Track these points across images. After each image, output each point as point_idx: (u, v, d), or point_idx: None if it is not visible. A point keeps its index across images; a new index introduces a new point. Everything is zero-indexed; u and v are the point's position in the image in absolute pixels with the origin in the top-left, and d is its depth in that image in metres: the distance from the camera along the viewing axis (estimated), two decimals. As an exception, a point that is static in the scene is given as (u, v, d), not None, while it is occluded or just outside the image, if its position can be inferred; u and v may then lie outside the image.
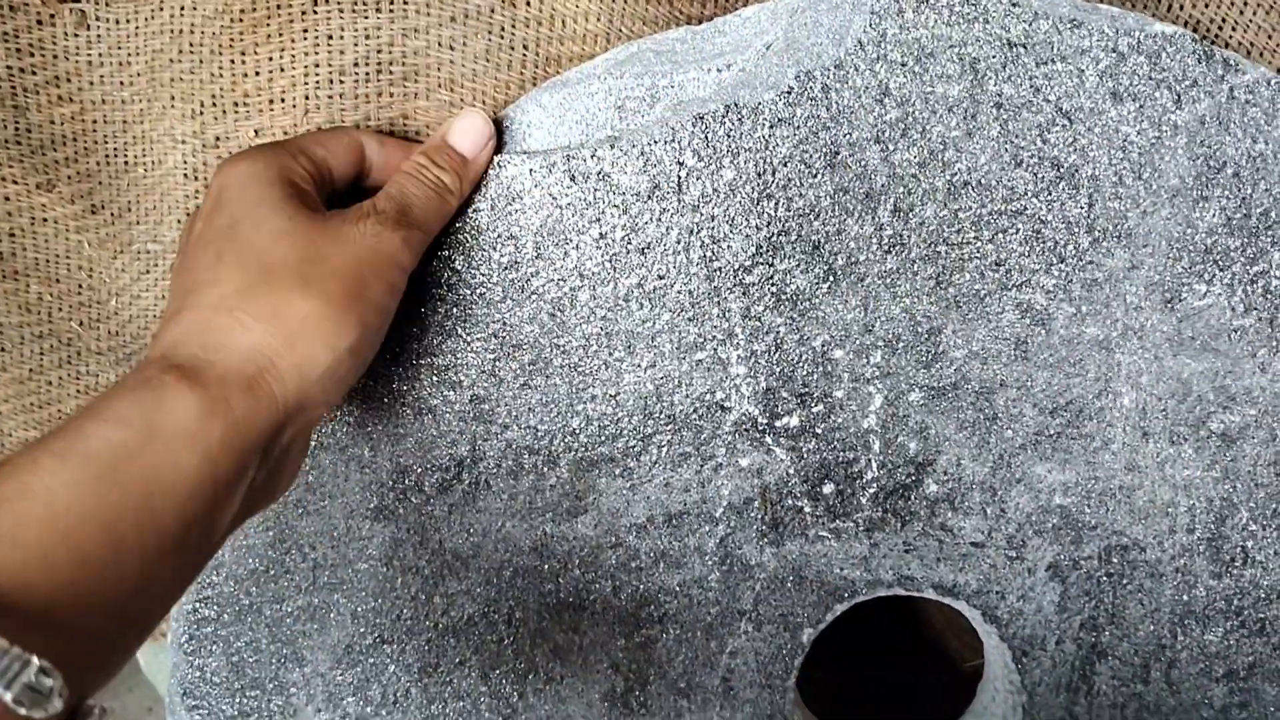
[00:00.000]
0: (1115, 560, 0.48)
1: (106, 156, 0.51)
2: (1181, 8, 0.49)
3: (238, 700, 0.51)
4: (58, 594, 0.29)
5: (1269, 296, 0.45)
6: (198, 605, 0.50)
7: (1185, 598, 0.49)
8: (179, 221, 0.51)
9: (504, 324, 0.46)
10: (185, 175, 0.50)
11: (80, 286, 0.54)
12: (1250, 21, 0.48)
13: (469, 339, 0.46)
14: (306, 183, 0.41)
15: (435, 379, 0.47)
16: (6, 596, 0.28)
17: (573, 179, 0.44)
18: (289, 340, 0.36)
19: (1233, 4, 0.48)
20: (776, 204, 0.45)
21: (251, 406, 0.35)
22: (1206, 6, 0.48)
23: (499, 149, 0.46)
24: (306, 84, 0.48)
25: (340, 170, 0.44)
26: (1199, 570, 0.48)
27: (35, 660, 0.27)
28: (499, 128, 0.46)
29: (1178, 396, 0.46)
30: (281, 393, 0.36)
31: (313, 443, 0.48)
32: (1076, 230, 0.45)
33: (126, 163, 0.51)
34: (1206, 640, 0.49)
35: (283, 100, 0.48)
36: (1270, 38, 0.48)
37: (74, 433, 0.32)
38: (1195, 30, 0.49)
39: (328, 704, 0.51)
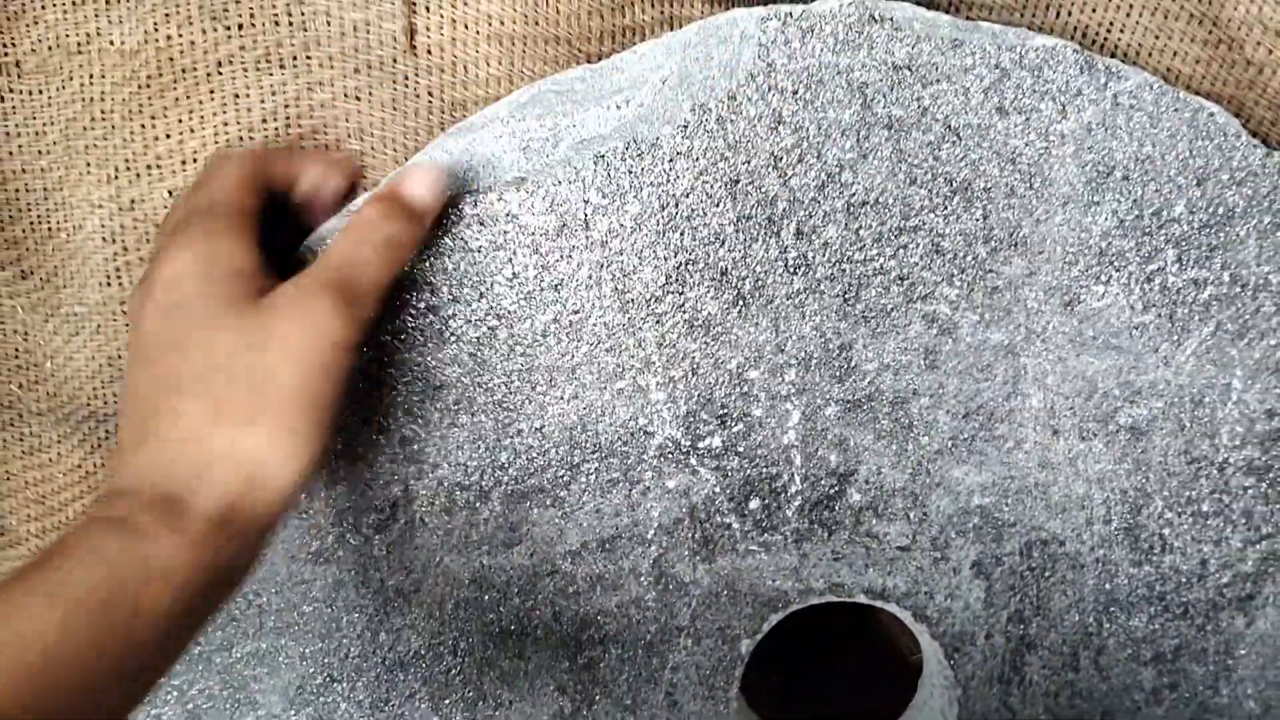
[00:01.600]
0: (1036, 555, 0.50)
1: (31, 224, 0.52)
2: (1069, 13, 0.50)
3: (196, 746, 0.52)
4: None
5: (1166, 293, 0.47)
6: (149, 657, 0.51)
7: (1108, 586, 0.50)
8: (100, 284, 0.52)
9: (426, 367, 0.47)
10: (104, 239, 0.51)
11: (17, 350, 0.55)
12: (1136, 23, 0.49)
13: (394, 384, 0.47)
14: (247, 257, 0.41)
15: (363, 423, 0.48)
16: None
17: (482, 223, 0.45)
18: (254, 472, 0.38)
19: (1119, 7, 0.49)
20: (682, 234, 0.46)
21: (226, 542, 0.37)
22: (1094, 11, 0.50)
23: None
24: (217, 142, 0.49)
25: (282, 188, 0.44)
26: (1119, 559, 0.50)
27: None
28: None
29: (1084, 394, 0.48)
30: (253, 520, 0.38)
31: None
32: (974, 242, 0.46)
33: (50, 228, 0.52)
34: (1132, 626, 0.51)
35: (195, 160, 0.49)
36: (1157, 39, 0.50)
37: (61, 574, 0.34)
38: (1083, 35, 0.50)
39: (284, 744, 0.52)
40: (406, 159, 0.49)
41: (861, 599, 0.51)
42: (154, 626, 0.35)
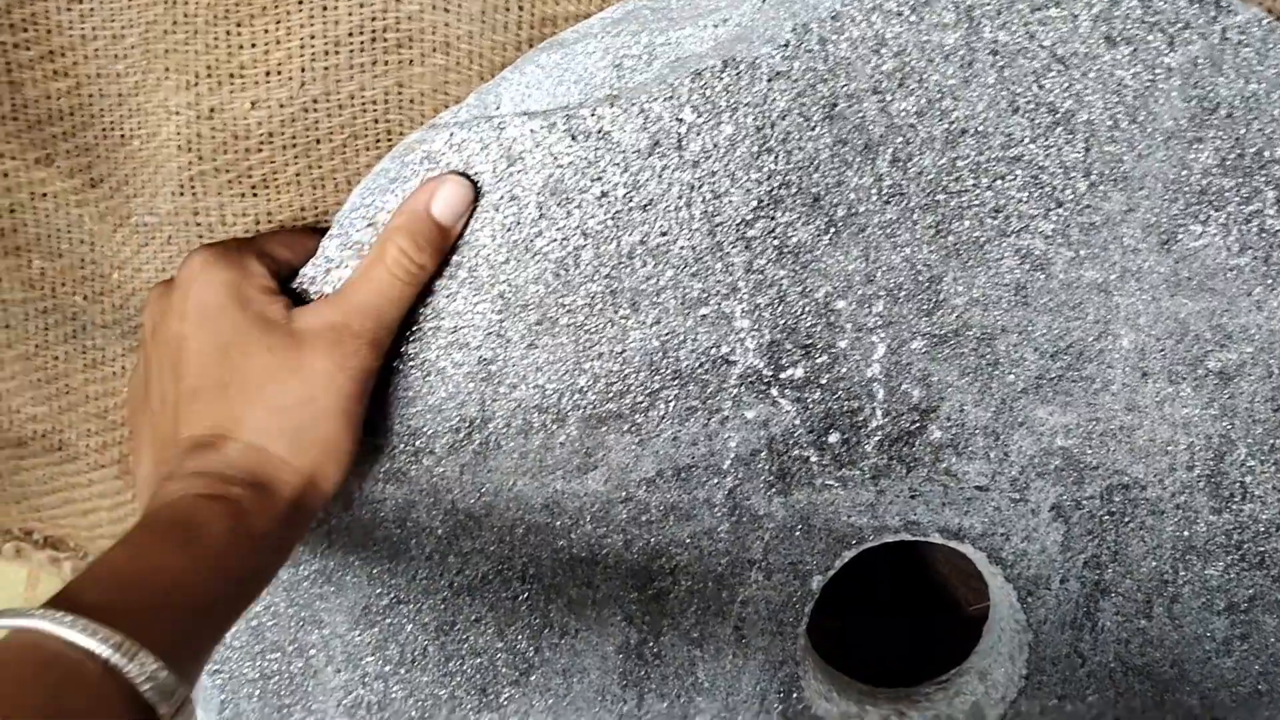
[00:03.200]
0: (1117, 499, 0.49)
1: (104, 130, 0.51)
2: (1173, -51, 0.49)
3: (258, 663, 0.52)
4: (183, 639, 0.37)
5: (1264, 235, 0.46)
6: (215, 572, 0.50)
7: (1186, 533, 0.49)
8: (173, 194, 0.51)
9: (509, 285, 0.46)
10: (179, 147, 0.50)
11: (82, 261, 0.54)
12: (1242, -39, 0.48)
13: (475, 301, 0.47)
14: (269, 289, 0.46)
15: (443, 341, 0.47)
16: (160, 641, 0.35)
17: (573, 138, 0.45)
18: (313, 475, 0.44)
19: (1224, -56, 0.48)
20: (776, 157, 0.45)
21: (293, 526, 0.44)
22: (1198, -53, 0.48)
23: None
24: (303, 55, 0.48)
25: (299, 265, 0.48)
26: (1199, 506, 0.49)
27: (182, 687, 0.35)
28: (497, 89, 0.46)
29: (1175, 336, 0.47)
30: (310, 512, 0.45)
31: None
32: (1074, 175, 0.45)
33: (123, 135, 0.51)
34: (1208, 574, 0.50)
35: (279, 72, 0.48)
36: (1262, -24, 0.48)
37: (192, 529, 0.40)
38: (1187, -29, 0.49)
39: (347, 664, 0.52)
40: (494, 74, 0.48)
41: (936, 538, 0.50)
42: (250, 581, 0.42)
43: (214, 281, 0.44)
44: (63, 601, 0.35)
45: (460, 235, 0.46)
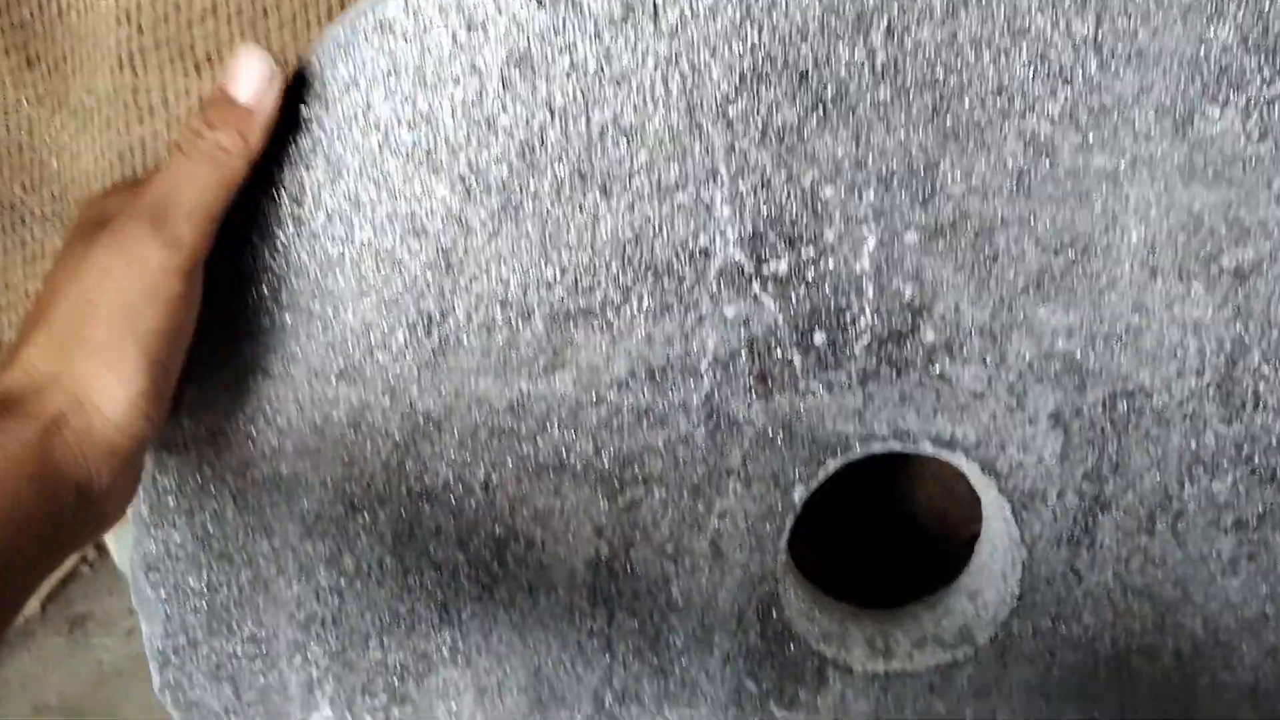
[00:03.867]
0: (1120, 407, 0.46)
1: (40, 3, 0.48)
2: None
3: (205, 574, 0.49)
4: None
5: (1287, 120, 0.42)
6: (156, 474, 0.47)
7: (1193, 445, 0.46)
8: (112, 70, 0.47)
9: (470, 166, 0.43)
10: (118, 19, 0.46)
11: (20, 147, 0.50)
12: None
13: (433, 184, 0.43)
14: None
15: (398, 228, 0.44)
16: None
17: (540, 3, 0.41)
18: (81, 395, 0.38)
19: None
20: (760, 29, 0.41)
21: (55, 450, 0.38)
22: None
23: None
24: (247, -90, 0.44)
25: None
26: (1208, 416, 0.46)
27: None
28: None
29: (1188, 230, 0.44)
30: (86, 437, 0.38)
31: (274, 300, 0.45)
32: (1084, 50, 0.42)
33: (59, 8, 0.47)
34: (1215, 490, 0.47)
35: (222, -70, 0.44)
36: None
37: None
38: None
39: (299, 576, 0.49)
40: (456, -64, 0.44)
41: (927, 448, 0.47)
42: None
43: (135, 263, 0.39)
44: None
45: (274, 112, 0.40)
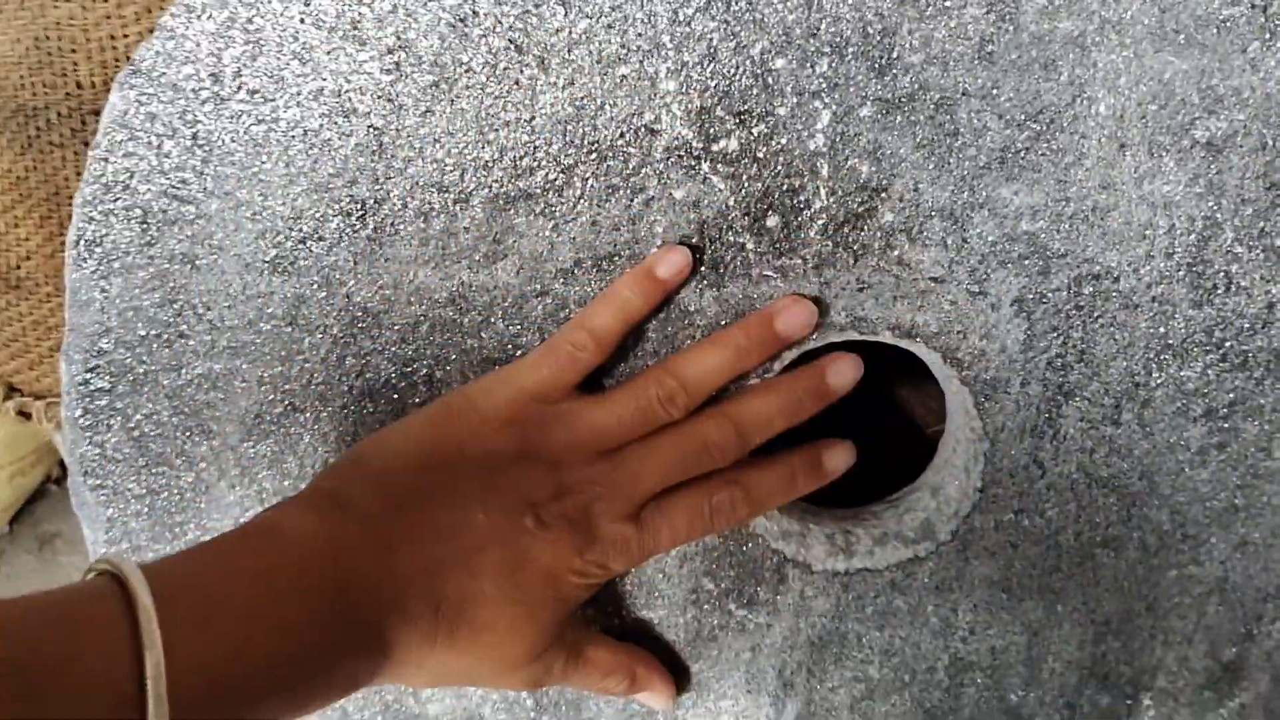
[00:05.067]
0: (1086, 291, 0.44)
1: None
2: None
3: (144, 478, 0.47)
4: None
5: (1265, -21, 0.40)
6: (89, 376, 0.45)
7: (1162, 330, 0.45)
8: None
9: (398, 39, 0.40)
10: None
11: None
12: None
13: (360, 59, 0.41)
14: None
15: (325, 107, 0.41)
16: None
17: None
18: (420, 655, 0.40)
19: None
20: (704, -117, 0.39)
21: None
22: None
23: None
24: None
25: None
26: (1178, 299, 0.44)
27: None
28: None
29: (1159, 101, 0.41)
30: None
31: (199, 187, 0.43)
32: (1049, -96, 0.39)
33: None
34: (1184, 377, 0.45)
35: None
36: None
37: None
38: None
39: (241, 479, 0.47)
40: None
41: (887, 337, 0.45)
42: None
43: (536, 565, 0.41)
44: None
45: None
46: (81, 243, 0.43)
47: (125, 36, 0.45)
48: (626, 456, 0.43)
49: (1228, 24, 0.40)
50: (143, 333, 0.45)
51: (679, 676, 0.50)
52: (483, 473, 0.41)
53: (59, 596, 0.31)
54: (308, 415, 0.46)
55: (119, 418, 0.46)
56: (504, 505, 0.41)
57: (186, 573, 0.34)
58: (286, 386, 0.46)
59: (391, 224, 0.43)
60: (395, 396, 0.46)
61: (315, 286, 0.44)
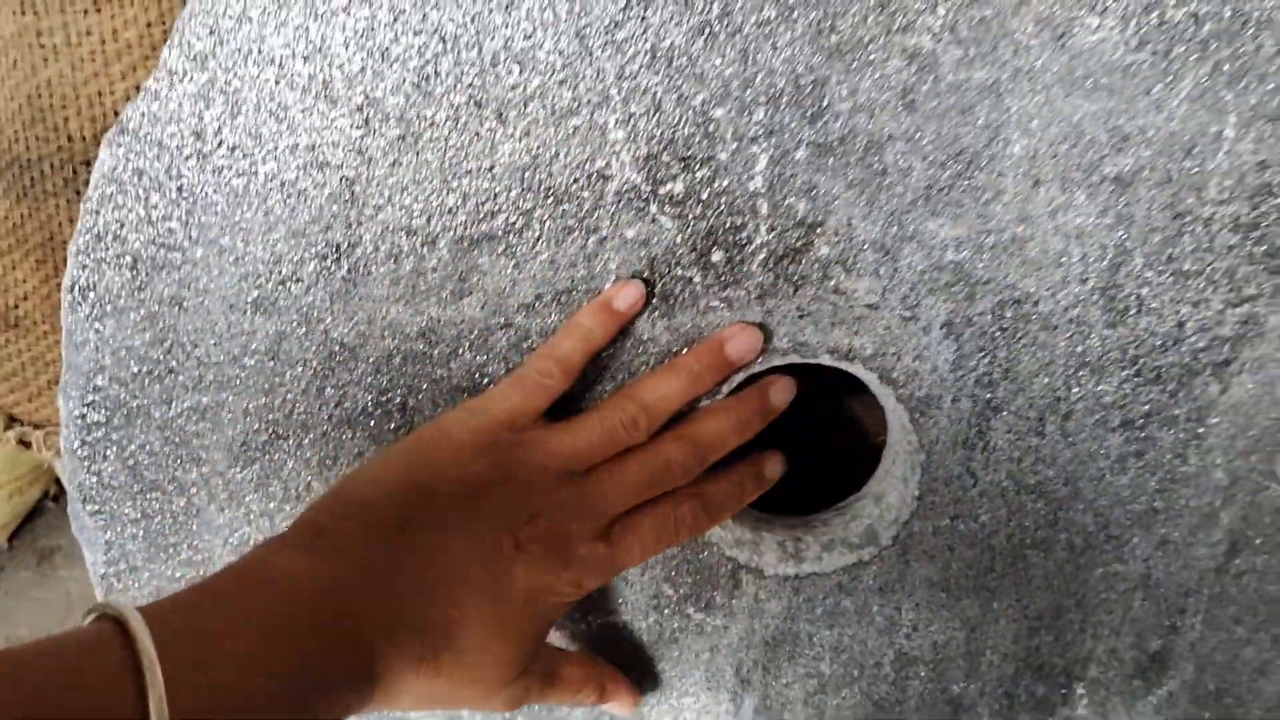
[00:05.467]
0: (1009, 314, 0.48)
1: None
2: None
3: (139, 503, 0.50)
4: None
5: (1164, 28, 0.43)
6: (85, 410, 0.49)
7: (1080, 349, 0.48)
8: (14, 14, 0.48)
9: (367, 97, 0.44)
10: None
11: (-71, 91, 0.51)
12: None
13: (332, 116, 0.44)
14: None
15: (301, 160, 0.45)
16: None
17: (424, -68, 0.41)
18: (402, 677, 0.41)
19: None
20: (645, -49, 0.42)
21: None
22: None
23: None
24: None
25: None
26: (1093, 320, 0.48)
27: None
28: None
29: (1069, 140, 0.45)
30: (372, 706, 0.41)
31: (185, 235, 0.46)
32: (961, -36, 0.42)
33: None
34: (1101, 390, 0.49)
35: None
36: None
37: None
38: None
39: (230, 502, 0.51)
40: None
41: (826, 359, 0.49)
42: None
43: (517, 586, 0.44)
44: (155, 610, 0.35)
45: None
46: (75, 288, 0.47)
47: (112, 93, 0.49)
48: (596, 478, 0.46)
49: (1132, 69, 0.44)
50: (135, 370, 0.48)
51: (644, 677, 0.54)
52: (461, 500, 0.43)
53: (63, 643, 0.33)
54: (290, 442, 0.50)
55: (114, 448, 0.49)
56: (482, 530, 0.43)
57: (184, 619, 0.36)
58: (270, 416, 0.49)
59: (364, 265, 0.46)
60: (372, 424, 0.49)
61: (295, 324, 0.47)
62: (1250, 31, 0.43)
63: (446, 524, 0.43)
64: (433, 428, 0.45)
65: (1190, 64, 0.44)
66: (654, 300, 0.47)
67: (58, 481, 0.90)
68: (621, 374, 0.49)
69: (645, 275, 0.47)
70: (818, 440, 0.62)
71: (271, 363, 0.48)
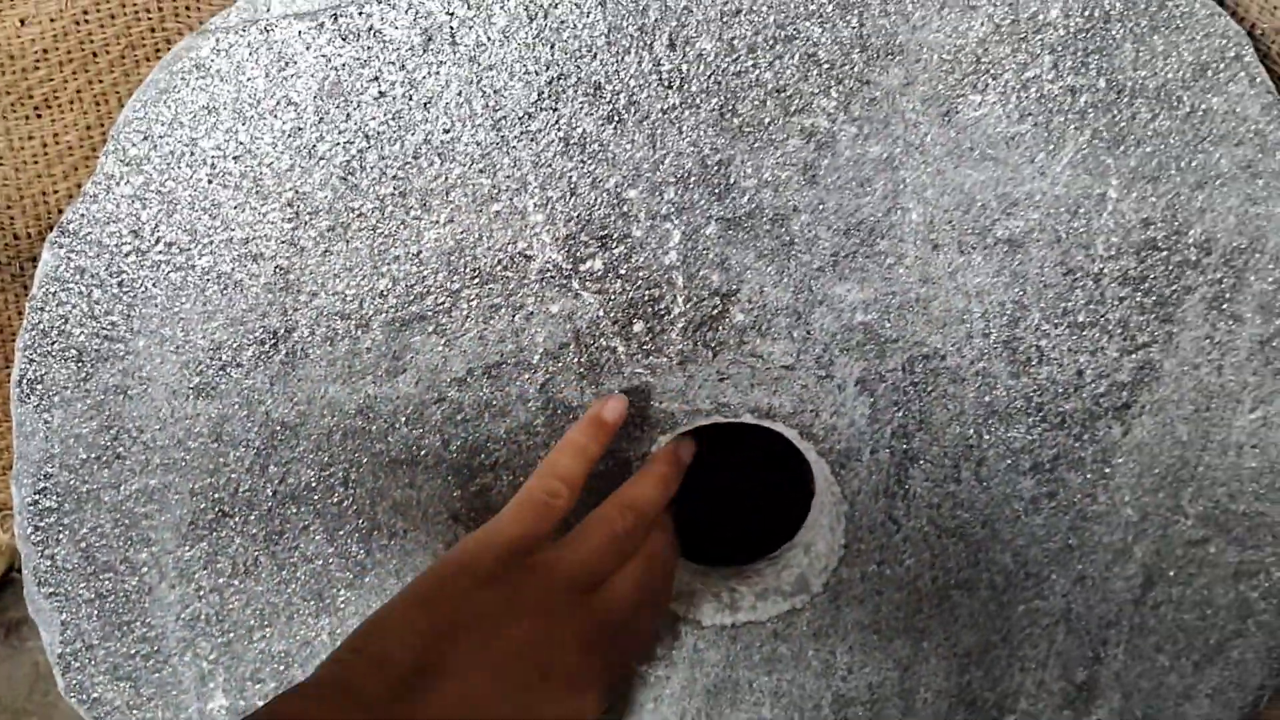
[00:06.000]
0: (918, 369, 0.50)
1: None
2: None
3: (92, 584, 0.52)
4: None
5: (1043, 101, 0.46)
6: (37, 497, 0.50)
7: (987, 398, 0.51)
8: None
9: (297, 192, 0.46)
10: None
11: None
12: None
13: (264, 211, 0.46)
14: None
15: (236, 253, 0.47)
16: None
17: (344, 38, 0.44)
18: None
19: None
20: (552, 47, 0.45)
21: None
22: None
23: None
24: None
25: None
26: (998, 372, 0.51)
27: None
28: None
29: (962, 207, 0.48)
30: None
31: (127, 328, 0.48)
32: (850, 50, 0.45)
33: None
34: (1011, 437, 0.52)
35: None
36: None
37: None
38: None
39: (180, 579, 0.52)
40: (266, -25, 0.46)
41: (748, 418, 0.51)
42: None
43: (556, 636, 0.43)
44: None
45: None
46: (24, 382, 0.49)
47: (55, 192, 0.51)
48: (610, 591, 0.46)
49: (1015, 139, 0.47)
50: (84, 456, 0.50)
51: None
52: (481, 640, 0.42)
53: None
54: (237, 519, 0.51)
55: (67, 532, 0.51)
56: (507, 669, 0.41)
57: None
58: (216, 495, 0.51)
59: (302, 349, 0.49)
60: (316, 498, 0.51)
61: (237, 407, 0.49)
62: (1125, 100, 0.46)
63: (468, 668, 0.41)
64: (447, 565, 0.44)
65: (1070, 133, 0.47)
66: (582, 369, 0.50)
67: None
68: (554, 438, 0.51)
69: (570, 346, 0.49)
70: (753, 491, 0.65)
71: (215, 444, 0.50)
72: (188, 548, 0.52)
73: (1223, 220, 0.48)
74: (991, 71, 0.46)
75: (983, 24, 0.45)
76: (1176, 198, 0.48)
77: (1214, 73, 0.46)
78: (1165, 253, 0.48)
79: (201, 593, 0.53)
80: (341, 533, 0.52)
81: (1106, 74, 0.46)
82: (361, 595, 0.53)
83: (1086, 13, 0.45)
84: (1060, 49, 0.46)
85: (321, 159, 0.45)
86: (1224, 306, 0.49)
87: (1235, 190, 0.48)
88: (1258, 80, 0.46)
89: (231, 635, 0.54)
